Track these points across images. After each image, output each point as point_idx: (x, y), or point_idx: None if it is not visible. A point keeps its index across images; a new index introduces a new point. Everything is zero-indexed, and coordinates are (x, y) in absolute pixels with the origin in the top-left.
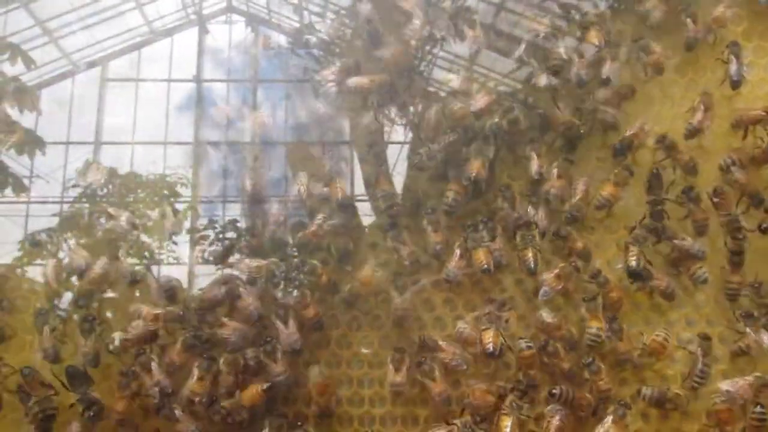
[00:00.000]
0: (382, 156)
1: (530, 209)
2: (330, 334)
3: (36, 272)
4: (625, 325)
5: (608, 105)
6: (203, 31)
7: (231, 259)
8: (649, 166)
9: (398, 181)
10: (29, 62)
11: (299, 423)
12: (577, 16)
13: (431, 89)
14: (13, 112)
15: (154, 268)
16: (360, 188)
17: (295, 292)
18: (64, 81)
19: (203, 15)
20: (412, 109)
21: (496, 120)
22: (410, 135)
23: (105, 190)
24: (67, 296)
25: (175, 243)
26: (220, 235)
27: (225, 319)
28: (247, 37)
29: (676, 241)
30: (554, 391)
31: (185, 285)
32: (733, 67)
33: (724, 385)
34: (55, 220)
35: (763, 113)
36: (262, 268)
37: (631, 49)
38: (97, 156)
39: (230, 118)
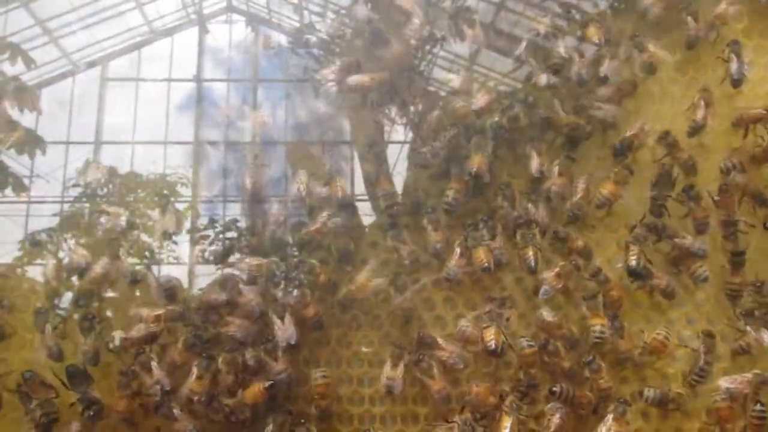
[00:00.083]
0: (382, 155)
1: (530, 207)
2: (330, 333)
3: (36, 272)
4: (625, 323)
5: (609, 102)
6: (203, 31)
7: (231, 259)
8: (650, 165)
9: (398, 181)
10: (29, 62)
11: (302, 420)
12: (578, 16)
13: (431, 89)
14: (13, 112)
15: (155, 268)
16: (360, 187)
17: (295, 292)
18: (64, 80)
19: (203, 15)
20: (412, 108)
21: (497, 119)
22: (410, 134)
23: (105, 190)
24: (68, 295)
25: (175, 243)
26: (221, 235)
27: (229, 318)
28: (247, 37)
29: (676, 240)
30: (554, 389)
31: (185, 285)
32: (733, 66)
33: (724, 383)
34: (55, 220)
35: (764, 112)
36: (262, 266)
37: (627, 47)
38: (97, 155)
39: (230, 118)
